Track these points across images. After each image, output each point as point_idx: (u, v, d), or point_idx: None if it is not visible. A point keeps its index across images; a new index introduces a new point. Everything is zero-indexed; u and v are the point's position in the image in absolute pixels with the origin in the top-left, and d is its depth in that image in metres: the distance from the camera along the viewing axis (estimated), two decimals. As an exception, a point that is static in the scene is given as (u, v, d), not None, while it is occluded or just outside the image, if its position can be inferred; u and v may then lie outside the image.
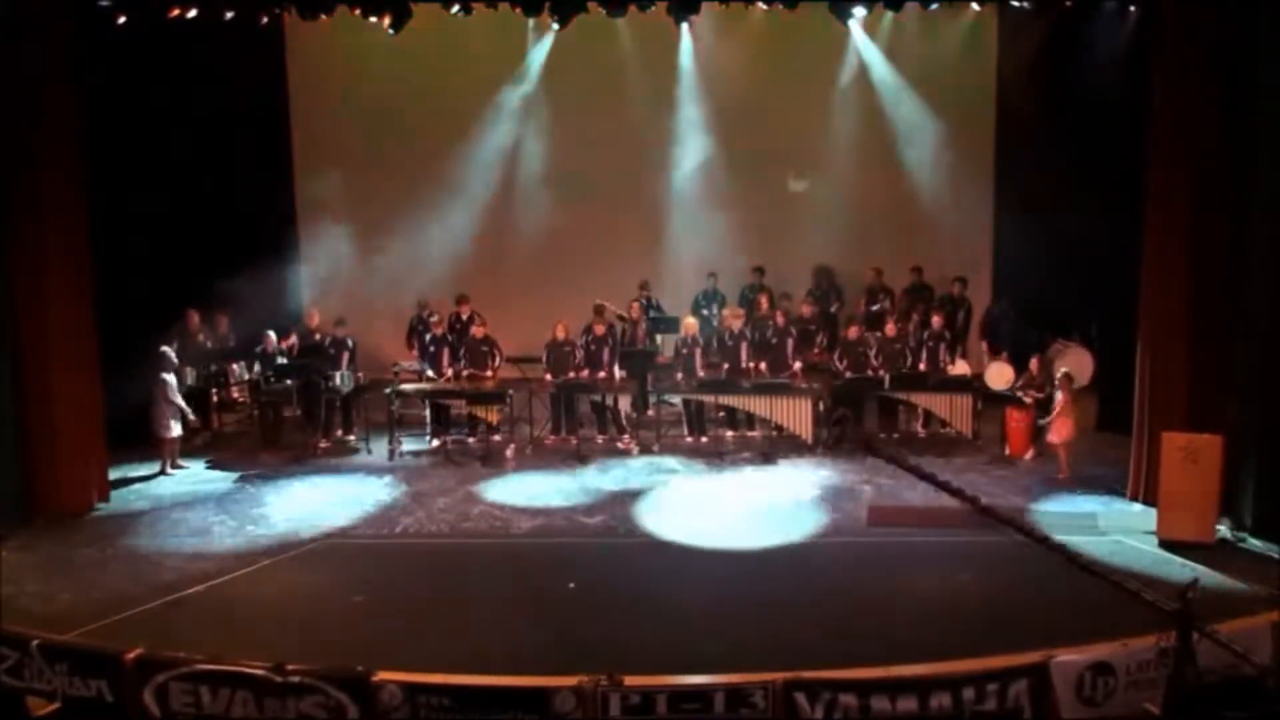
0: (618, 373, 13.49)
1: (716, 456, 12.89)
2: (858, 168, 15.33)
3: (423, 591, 9.48)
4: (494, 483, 12.13)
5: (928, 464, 7.18)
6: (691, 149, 15.42)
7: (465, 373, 13.43)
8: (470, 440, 13.48)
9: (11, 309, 10.81)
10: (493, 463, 12.79)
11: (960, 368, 13.57)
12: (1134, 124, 11.11)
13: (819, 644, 8.08)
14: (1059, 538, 6.36)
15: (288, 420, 13.78)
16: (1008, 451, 12.65)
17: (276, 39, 14.84)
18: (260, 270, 13.76)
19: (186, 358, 13.06)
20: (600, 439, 13.52)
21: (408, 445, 13.23)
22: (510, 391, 13.08)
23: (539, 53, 15.22)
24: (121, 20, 12.03)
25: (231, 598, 9.26)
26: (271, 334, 13.52)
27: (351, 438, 13.67)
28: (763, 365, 13.51)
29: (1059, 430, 11.80)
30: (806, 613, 8.86)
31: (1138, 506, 10.79)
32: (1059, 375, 12.03)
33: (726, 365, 13.63)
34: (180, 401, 12.40)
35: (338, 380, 13.29)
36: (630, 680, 6.61)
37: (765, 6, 13.40)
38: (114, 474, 11.89)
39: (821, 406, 12.96)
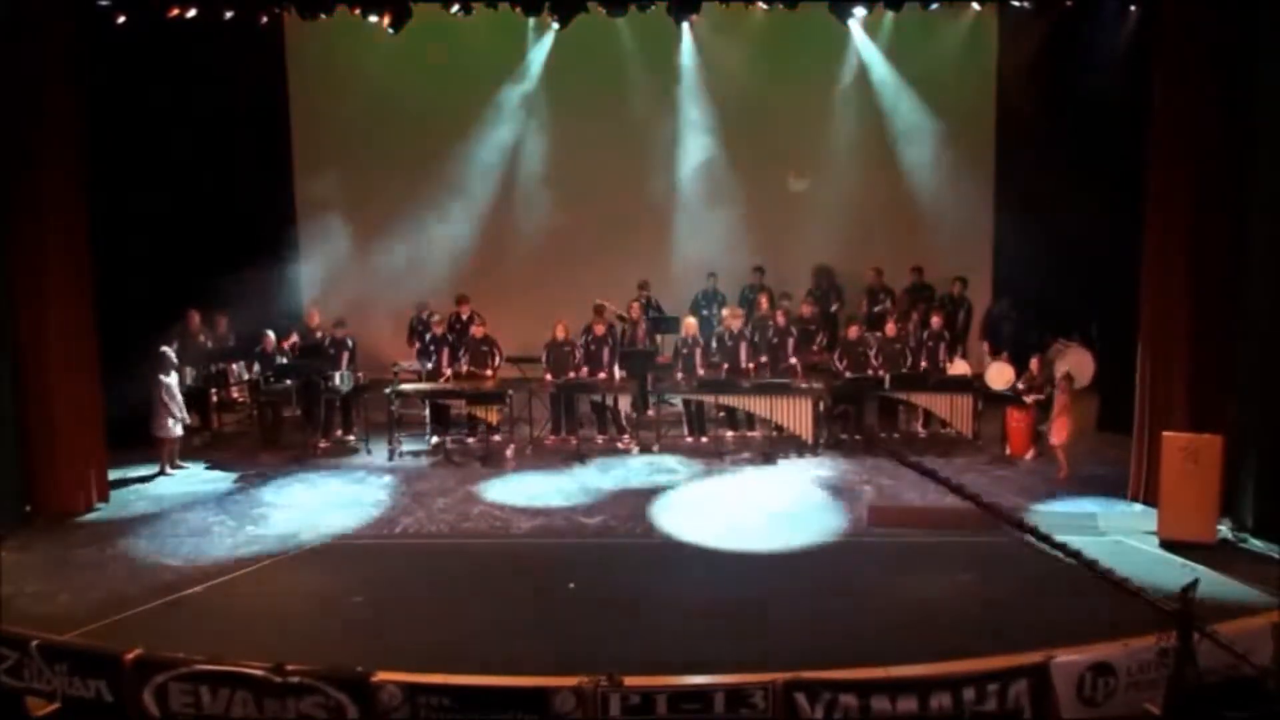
0: (618, 373, 13.49)
1: (716, 457, 12.88)
2: (858, 168, 15.32)
3: (423, 591, 9.47)
4: (494, 483, 12.12)
5: (928, 464, 7.15)
6: (692, 149, 15.43)
7: (465, 370, 13.42)
8: (470, 440, 13.48)
9: (11, 309, 10.80)
10: (493, 463, 12.78)
11: (960, 368, 13.57)
12: (1134, 124, 11.11)
13: (819, 644, 8.06)
14: (1059, 538, 6.33)
15: (287, 420, 13.78)
16: (1008, 452, 12.65)
17: (276, 39, 14.83)
18: (260, 270, 13.77)
19: (187, 358, 13.05)
20: (600, 439, 13.51)
21: (407, 445, 13.22)
22: (510, 391, 13.08)
23: (539, 52, 15.22)
24: (121, 20, 12.02)
25: (231, 598, 9.25)
26: (270, 334, 13.51)
27: (351, 438, 13.67)
28: (763, 364, 13.51)
29: (1058, 431, 11.81)
30: (807, 613, 8.86)
31: (1138, 506, 10.79)
32: (1059, 377, 12.04)
33: (726, 365, 13.63)
34: (180, 401, 12.39)
35: (337, 380, 13.29)
36: (630, 680, 6.61)
37: (765, 6, 13.41)
38: (113, 474, 11.88)
39: (822, 406, 12.96)
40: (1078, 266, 13.68)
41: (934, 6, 13.09)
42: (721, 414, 13.57)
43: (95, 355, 11.37)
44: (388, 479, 12.28)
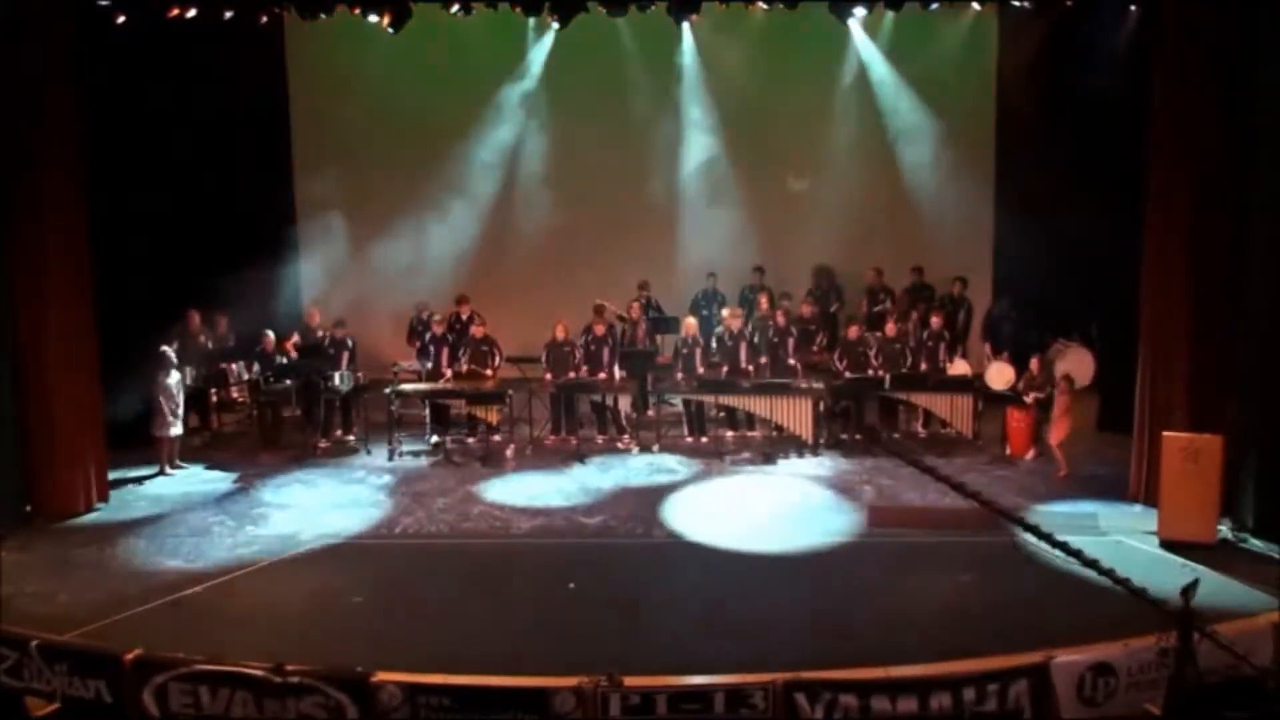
0: (618, 373, 13.49)
1: (716, 457, 12.88)
2: (858, 168, 15.32)
3: (423, 591, 9.47)
4: (494, 483, 12.12)
5: (927, 463, 7.14)
6: (692, 149, 15.44)
7: (465, 369, 13.41)
8: (470, 440, 13.48)
9: (11, 309, 10.80)
10: (492, 463, 12.78)
11: (960, 367, 13.57)
12: (1134, 124, 11.11)
13: (819, 644, 8.07)
14: (1059, 538, 6.32)
15: (287, 420, 13.78)
16: (1008, 452, 12.64)
17: (276, 39, 14.83)
18: (260, 270, 13.80)
19: (187, 358, 13.04)
20: (600, 439, 13.51)
21: (407, 445, 13.22)
22: (510, 391, 13.08)
23: (539, 52, 15.21)
24: (121, 20, 12.01)
25: (231, 598, 9.25)
26: (270, 334, 13.51)
27: (351, 438, 13.66)
28: (763, 365, 13.51)
29: (1056, 431, 11.81)
30: (806, 613, 8.86)
31: (1138, 506, 10.78)
32: (1060, 378, 12.05)
33: (726, 365, 13.62)
34: (179, 401, 12.39)
35: (337, 380, 13.28)
36: (630, 681, 6.61)
37: (765, 6, 13.42)
38: (113, 474, 11.86)
39: (822, 406, 12.96)
40: (1078, 266, 13.68)
41: (934, 6, 13.09)
42: (721, 414, 13.57)
43: (95, 355, 11.37)
44: (388, 479, 12.28)
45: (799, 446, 12.92)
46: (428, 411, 13.44)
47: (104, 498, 11.51)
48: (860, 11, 13.49)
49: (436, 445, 13.26)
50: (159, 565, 9.93)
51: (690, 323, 13.90)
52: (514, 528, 10.82)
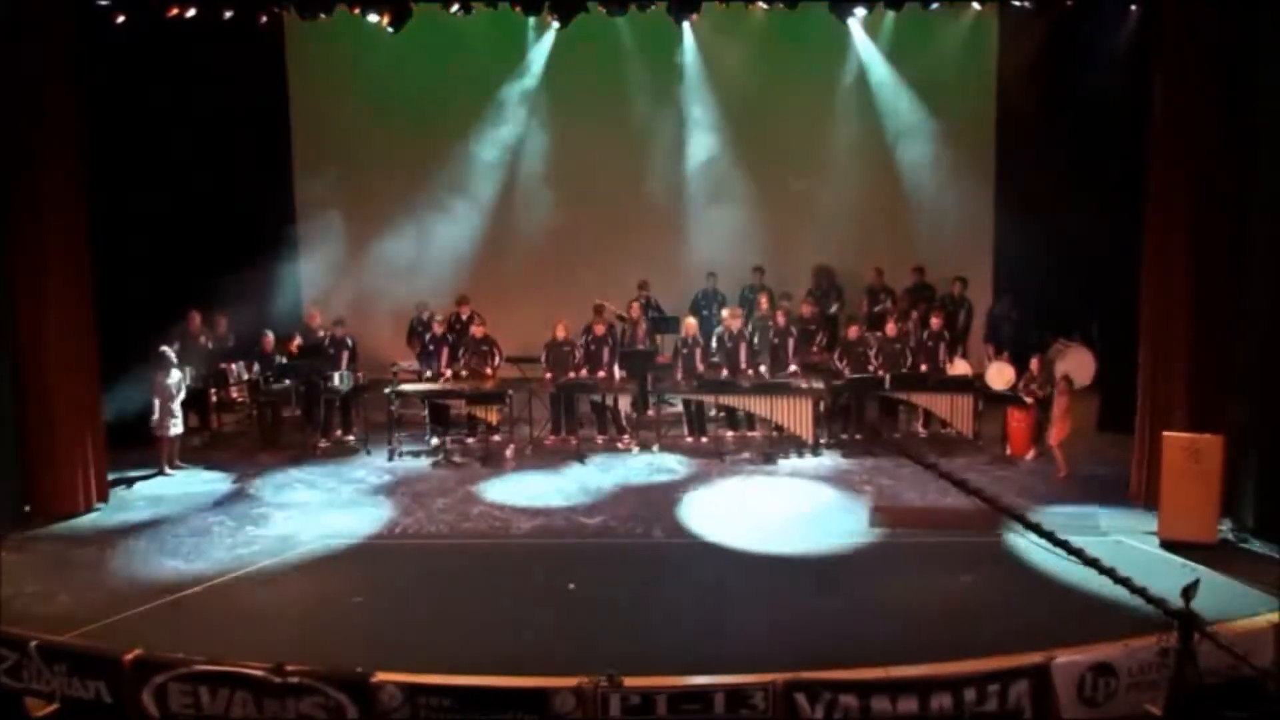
0: (618, 373, 13.48)
1: (716, 457, 12.88)
2: (858, 167, 15.30)
3: (423, 591, 9.46)
4: (494, 483, 12.11)
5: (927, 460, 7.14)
6: (692, 149, 15.42)
7: (465, 369, 13.41)
8: (470, 440, 13.47)
9: (11, 309, 10.80)
10: (492, 463, 12.77)
11: (960, 368, 13.57)
12: (1134, 124, 11.10)
13: (819, 644, 8.06)
14: (1060, 537, 6.32)
15: (287, 420, 13.78)
16: (1009, 452, 12.64)
17: (276, 39, 14.82)
18: (260, 270, 13.79)
19: (187, 358, 13.04)
20: (600, 439, 13.50)
21: (407, 445, 13.21)
22: (510, 391, 13.07)
23: (539, 52, 15.19)
24: (121, 20, 12.00)
25: (230, 598, 9.25)
26: (270, 334, 13.50)
27: (351, 438, 13.66)
28: (762, 365, 13.51)
29: (1056, 431, 11.81)
30: (807, 613, 8.86)
31: (1139, 507, 10.77)
32: (1059, 378, 12.04)
33: (726, 366, 13.62)
34: (178, 401, 12.38)
35: (336, 380, 13.28)
36: (630, 681, 6.61)
37: (766, 6, 13.42)
38: (113, 474, 11.85)
39: (822, 406, 12.95)
40: (1078, 266, 13.68)
41: (934, 6, 13.07)
42: (721, 414, 13.57)
43: (95, 355, 11.36)
44: (387, 479, 12.28)
45: (799, 446, 12.91)
46: (427, 411, 13.43)
47: (104, 498, 11.50)
48: (860, 11, 13.48)
49: (436, 445, 13.25)
50: (159, 565, 9.93)
51: (690, 323, 13.89)
52: (514, 528, 10.81)
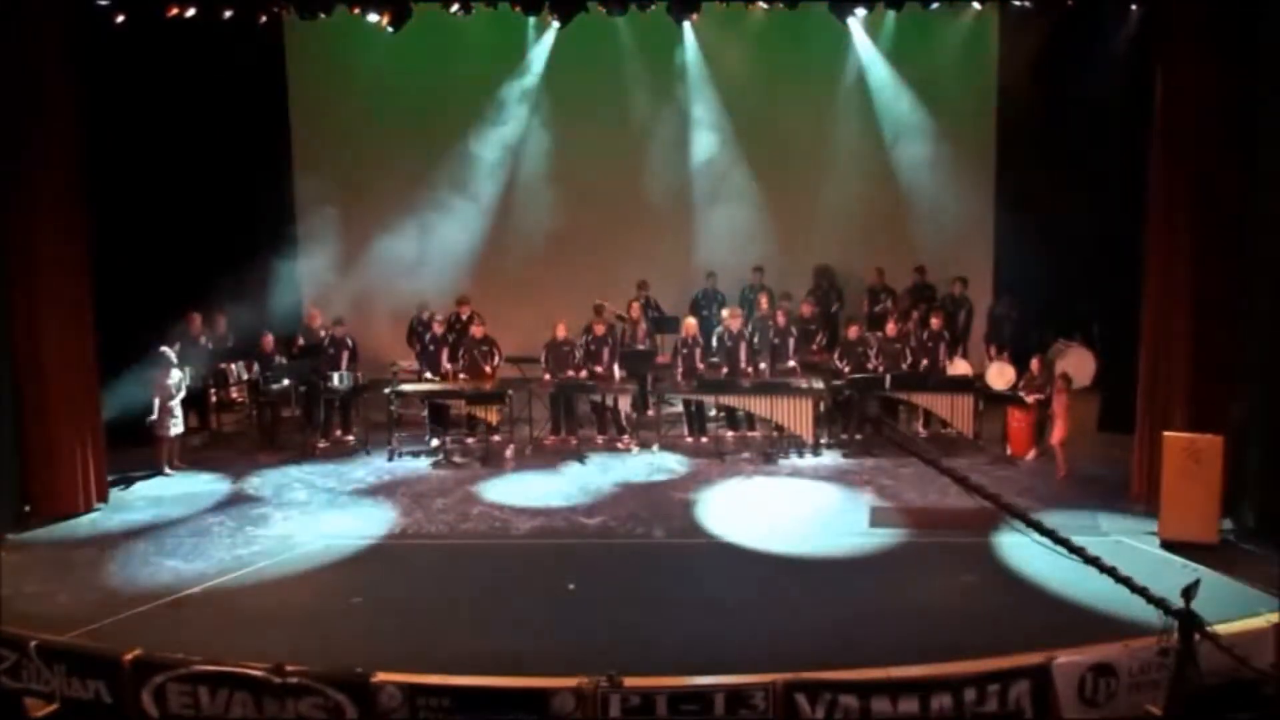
0: (618, 373, 13.48)
1: (717, 457, 12.87)
2: (858, 167, 15.28)
3: (423, 592, 9.45)
4: (493, 483, 12.11)
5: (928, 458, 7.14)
6: (692, 149, 15.40)
7: (464, 363, 13.39)
8: (470, 440, 13.46)
9: (11, 309, 10.78)
10: (492, 463, 12.77)
11: (961, 368, 13.57)
12: (1134, 124, 11.09)
13: (819, 644, 8.05)
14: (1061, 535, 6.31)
15: (286, 420, 13.78)
16: (1009, 452, 12.63)
17: (276, 39, 14.81)
18: (260, 270, 13.77)
19: (187, 358, 13.03)
20: (600, 439, 13.49)
21: (407, 446, 13.20)
22: (510, 391, 13.07)
23: (540, 51, 15.18)
24: (120, 19, 11.99)
25: (230, 598, 9.24)
26: (269, 334, 13.49)
27: (350, 438, 13.65)
28: (763, 365, 13.50)
29: (1056, 430, 11.80)
30: (807, 613, 8.86)
31: (1139, 507, 10.76)
32: (1057, 375, 12.04)
33: (726, 365, 13.61)
34: (179, 402, 12.37)
35: (336, 380, 13.27)
36: (630, 681, 6.61)
37: (766, 6, 13.41)
38: (112, 474, 11.84)
39: (822, 406, 12.95)
40: (1078, 266, 13.68)
41: (934, 6, 13.05)
42: (721, 414, 13.56)
43: (94, 355, 11.34)
44: (387, 479, 12.27)
45: (799, 446, 12.91)
46: (427, 411, 13.43)
47: (103, 498, 11.49)
48: (860, 11, 13.47)
49: (436, 446, 13.25)
50: (158, 566, 9.93)
51: (690, 323, 13.88)
52: (514, 528, 10.81)
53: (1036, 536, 6.09)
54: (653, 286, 14.93)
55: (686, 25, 14.62)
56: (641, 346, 13.88)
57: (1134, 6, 12.30)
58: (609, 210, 15.55)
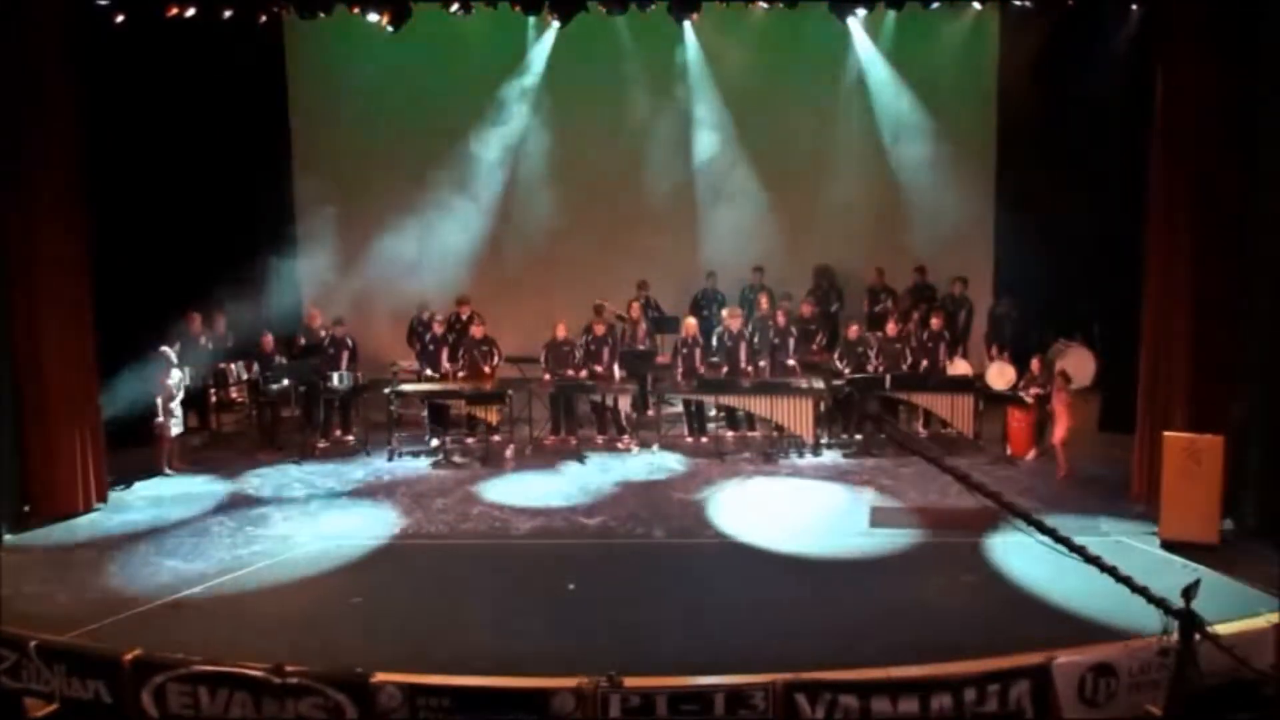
0: (618, 373, 13.48)
1: (716, 456, 12.87)
2: (858, 167, 15.29)
3: (422, 591, 9.45)
4: (493, 483, 12.11)
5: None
6: (692, 148, 15.40)
7: (464, 363, 13.38)
8: (470, 440, 13.46)
9: (11, 309, 10.78)
10: (492, 463, 12.77)
11: (961, 368, 13.57)
12: (1134, 124, 11.09)
13: (819, 644, 8.05)
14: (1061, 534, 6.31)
15: (286, 420, 13.77)
16: (1009, 452, 12.63)
17: (276, 38, 14.81)
18: (260, 270, 13.77)
19: (187, 358, 13.02)
20: (600, 439, 13.49)
21: (407, 446, 13.20)
22: (510, 391, 13.07)
23: (540, 51, 15.18)
24: (120, 20, 11.99)
25: (230, 599, 9.23)
26: (269, 334, 13.48)
27: (350, 438, 13.65)
28: (763, 365, 13.50)
29: (1058, 429, 11.80)
30: (807, 613, 8.86)
31: (1140, 507, 10.76)
32: (1056, 374, 12.04)
33: (726, 365, 13.61)
34: (179, 401, 12.37)
35: (336, 380, 13.27)
36: (630, 681, 6.60)
37: (766, 6, 13.41)
38: (112, 474, 11.83)
39: (822, 406, 12.95)
40: (1078, 266, 13.67)
41: (934, 6, 13.07)
42: (721, 414, 13.56)
43: (94, 355, 11.34)
44: (386, 479, 12.26)
45: (799, 446, 12.90)
46: (427, 412, 13.42)
47: (103, 498, 11.49)
48: (860, 11, 13.47)
49: (436, 446, 13.24)
50: (158, 566, 9.92)
51: (690, 323, 13.88)
52: (514, 528, 10.81)
53: (1037, 536, 6.08)
54: (653, 286, 14.93)
55: (687, 25, 14.62)
56: (641, 346, 13.88)
57: (1134, 6, 12.31)
58: (609, 210, 15.56)
